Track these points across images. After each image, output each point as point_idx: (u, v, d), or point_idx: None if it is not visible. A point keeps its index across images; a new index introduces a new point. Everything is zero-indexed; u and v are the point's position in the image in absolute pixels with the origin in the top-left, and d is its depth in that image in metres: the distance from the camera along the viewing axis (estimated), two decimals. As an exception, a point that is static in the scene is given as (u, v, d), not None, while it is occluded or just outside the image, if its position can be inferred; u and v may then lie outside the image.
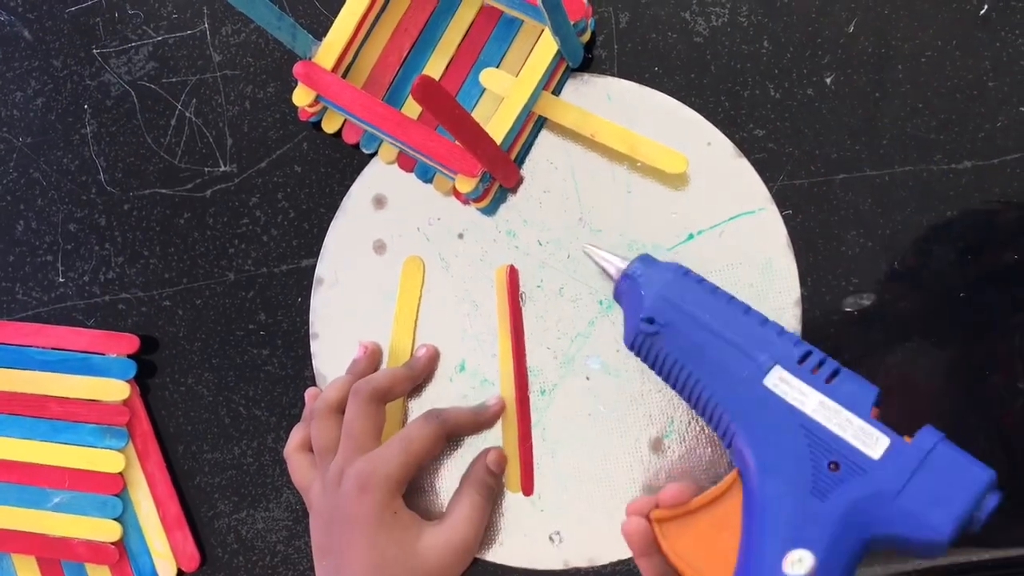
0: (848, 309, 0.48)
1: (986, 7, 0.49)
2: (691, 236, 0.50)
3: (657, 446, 0.49)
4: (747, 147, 0.50)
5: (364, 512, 0.46)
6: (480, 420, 0.50)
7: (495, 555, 0.50)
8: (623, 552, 0.49)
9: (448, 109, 0.42)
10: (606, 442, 0.49)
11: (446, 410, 0.50)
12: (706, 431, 0.48)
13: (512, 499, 0.50)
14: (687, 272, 0.43)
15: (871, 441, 0.38)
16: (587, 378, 0.50)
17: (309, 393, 0.53)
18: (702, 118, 0.50)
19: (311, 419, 0.50)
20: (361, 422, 0.48)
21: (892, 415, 0.47)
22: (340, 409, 0.49)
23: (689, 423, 0.49)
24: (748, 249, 0.49)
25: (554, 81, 0.51)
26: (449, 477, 0.51)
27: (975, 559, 0.47)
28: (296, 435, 0.51)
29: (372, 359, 0.53)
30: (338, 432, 0.48)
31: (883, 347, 0.48)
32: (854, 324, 0.48)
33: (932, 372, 0.48)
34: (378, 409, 0.49)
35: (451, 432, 0.49)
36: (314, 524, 0.49)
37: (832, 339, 0.48)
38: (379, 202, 0.54)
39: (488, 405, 0.51)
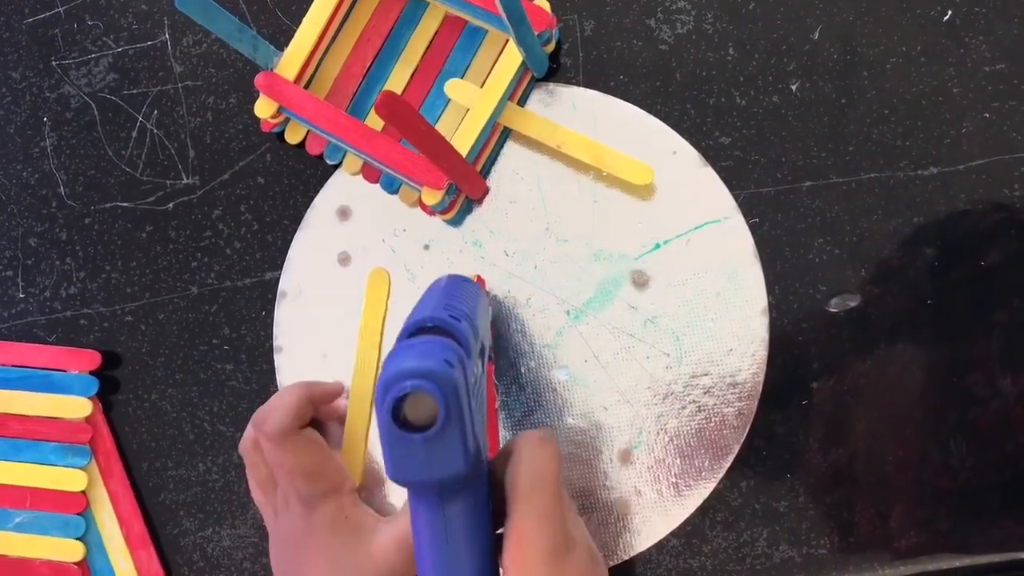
0: (834, 310, 0.48)
1: (950, 13, 0.49)
2: (657, 245, 0.49)
3: (626, 457, 0.49)
4: (713, 155, 0.50)
5: (315, 525, 0.45)
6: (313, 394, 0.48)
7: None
8: (593, 565, 0.49)
9: (412, 124, 0.41)
10: (575, 454, 0.49)
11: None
12: (675, 442, 0.48)
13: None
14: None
15: None
16: (555, 388, 0.50)
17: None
18: (667, 127, 0.50)
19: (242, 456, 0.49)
20: (283, 457, 0.45)
21: (869, 416, 0.47)
22: (256, 442, 0.48)
23: (658, 434, 0.48)
24: (714, 258, 0.49)
25: (519, 91, 0.51)
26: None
27: (947, 566, 0.47)
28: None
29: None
30: (266, 465, 0.48)
31: (853, 359, 0.48)
32: (823, 331, 0.48)
33: (904, 385, 0.48)
34: (294, 437, 0.46)
35: (319, 400, 0.48)
36: (273, 552, 0.48)
37: (800, 346, 0.48)
38: (343, 214, 0.53)
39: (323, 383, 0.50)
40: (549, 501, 0.37)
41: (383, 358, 0.51)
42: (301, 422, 0.47)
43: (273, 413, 0.46)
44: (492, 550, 0.36)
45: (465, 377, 0.34)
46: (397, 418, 0.33)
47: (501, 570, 0.37)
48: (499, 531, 0.37)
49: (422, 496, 0.35)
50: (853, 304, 0.48)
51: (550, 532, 0.36)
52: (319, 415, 0.50)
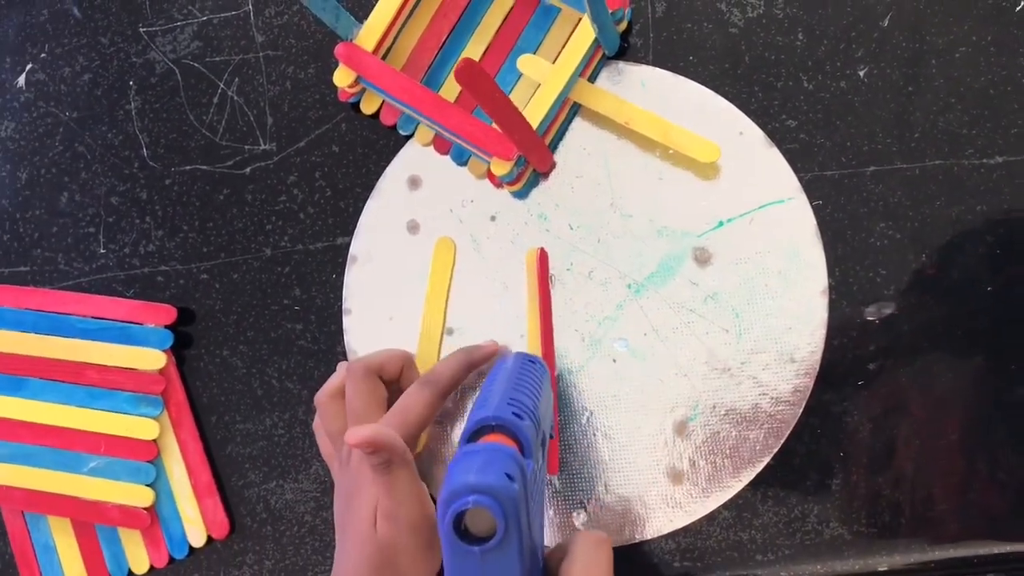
0: (870, 318, 0.49)
1: (1022, 3, 0.49)
2: (720, 223, 0.50)
3: (681, 429, 0.50)
4: (779, 137, 0.50)
5: (363, 482, 0.46)
6: (473, 360, 0.50)
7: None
8: (645, 532, 0.50)
9: (488, 92, 0.42)
10: (631, 424, 0.50)
11: (438, 369, 0.49)
12: (731, 415, 0.49)
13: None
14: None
15: None
16: (614, 360, 0.51)
17: (340, 366, 0.54)
18: (734, 107, 0.51)
19: (318, 409, 0.50)
20: (359, 398, 0.48)
21: (922, 400, 0.48)
22: (341, 393, 0.49)
23: (714, 407, 0.49)
24: (777, 237, 0.49)
25: (590, 68, 0.52)
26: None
27: (996, 551, 0.47)
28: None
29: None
30: (343, 415, 0.49)
31: (910, 344, 0.48)
32: (881, 320, 0.49)
33: (959, 373, 0.48)
34: (374, 383, 0.49)
35: (446, 390, 0.49)
36: (335, 501, 0.49)
37: (859, 330, 0.49)
38: (414, 183, 0.55)
39: (480, 345, 0.51)
40: None
41: (448, 322, 0.53)
42: (392, 372, 0.50)
43: (378, 353, 0.49)
44: None
45: (524, 486, 0.35)
46: (458, 529, 0.34)
47: None
48: None
49: None
50: (888, 312, 0.49)
51: None
52: (402, 382, 0.51)
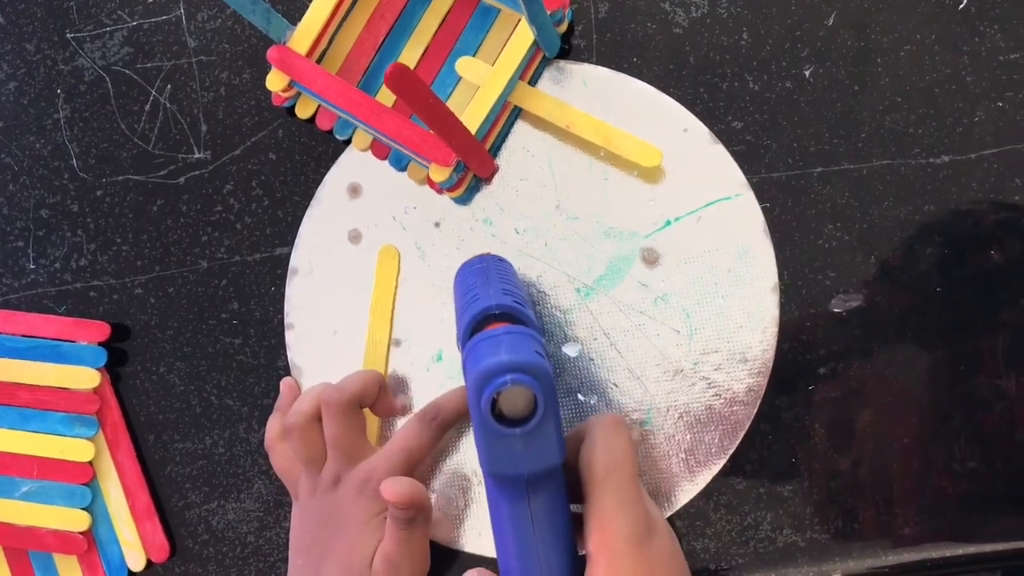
0: (836, 310, 0.48)
1: (965, 2, 0.49)
2: (668, 223, 0.49)
3: (636, 434, 0.49)
4: (725, 139, 0.50)
5: (356, 514, 0.46)
6: None
7: (474, 545, 0.50)
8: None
9: (421, 97, 0.41)
10: (581, 433, 0.49)
11: (442, 406, 0.49)
12: (685, 418, 0.48)
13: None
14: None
15: None
16: (565, 366, 0.50)
17: (285, 382, 0.52)
18: (678, 104, 0.50)
19: (288, 433, 0.48)
20: (344, 432, 0.47)
21: (874, 404, 0.47)
22: (316, 418, 0.48)
23: (668, 410, 0.48)
24: (726, 235, 0.49)
25: (531, 71, 0.51)
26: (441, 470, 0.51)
27: (951, 554, 0.47)
28: (275, 425, 0.51)
29: (292, 392, 0.52)
30: (321, 442, 0.48)
31: (861, 345, 0.48)
32: (832, 319, 0.48)
33: (911, 372, 0.48)
34: (356, 415, 0.48)
35: (449, 426, 0.49)
36: (300, 522, 0.48)
37: (809, 333, 0.48)
38: (354, 191, 0.53)
39: None
40: (628, 485, 0.38)
41: (394, 333, 0.52)
42: (370, 399, 0.49)
43: (355, 380, 0.48)
44: (571, 532, 0.37)
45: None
46: (494, 413, 0.33)
47: (583, 552, 0.37)
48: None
49: (508, 487, 0.35)
50: (855, 304, 0.48)
51: (633, 516, 0.37)
52: (376, 408, 0.51)
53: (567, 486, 0.37)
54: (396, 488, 0.43)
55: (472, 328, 0.37)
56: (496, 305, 0.37)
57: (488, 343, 0.34)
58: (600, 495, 0.37)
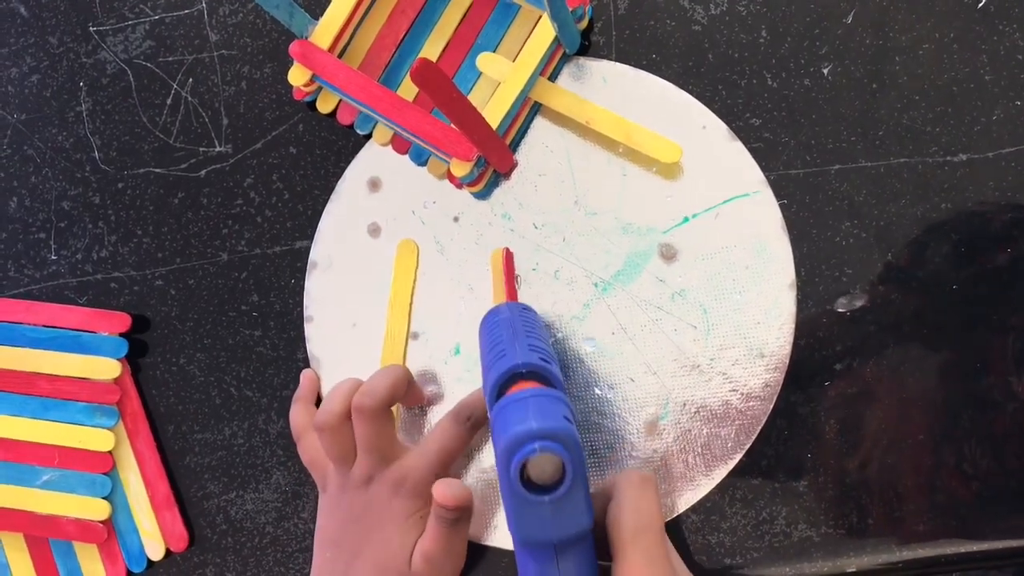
0: (841, 310, 0.48)
1: (984, 0, 0.49)
2: (686, 219, 0.50)
3: (652, 428, 0.49)
4: (743, 136, 0.50)
5: (392, 514, 0.46)
6: None
7: (491, 539, 0.50)
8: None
9: (445, 92, 0.41)
10: (601, 424, 0.49)
11: (473, 404, 0.49)
12: (701, 413, 0.49)
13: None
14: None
15: None
16: (582, 360, 0.50)
17: (305, 373, 0.53)
18: (697, 101, 0.50)
19: (318, 432, 0.48)
20: (376, 436, 0.47)
21: (889, 401, 0.48)
22: (346, 417, 0.48)
23: (684, 405, 0.49)
24: (743, 231, 0.49)
25: (551, 67, 0.51)
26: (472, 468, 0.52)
27: (963, 551, 0.47)
28: (299, 415, 0.51)
29: (312, 384, 0.53)
30: (351, 441, 0.48)
31: (876, 342, 0.48)
32: (847, 317, 0.48)
33: (925, 371, 0.48)
34: (387, 417, 0.48)
35: (481, 425, 0.49)
36: (329, 516, 0.49)
37: (825, 329, 0.48)
38: (374, 185, 0.54)
39: None
40: (656, 545, 0.38)
41: (412, 326, 0.52)
42: (400, 398, 0.49)
43: (384, 382, 0.47)
44: None
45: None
46: (522, 480, 0.33)
47: None
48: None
49: (537, 550, 0.35)
50: (860, 304, 0.48)
51: None
52: (405, 399, 0.51)
53: (595, 542, 0.37)
54: (448, 491, 0.43)
55: (499, 387, 0.37)
56: (522, 364, 0.37)
57: (516, 407, 0.34)
58: (629, 555, 0.37)
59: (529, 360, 0.37)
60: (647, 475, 0.40)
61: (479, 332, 0.46)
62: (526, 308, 0.46)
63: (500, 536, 0.51)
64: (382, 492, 0.47)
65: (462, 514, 0.45)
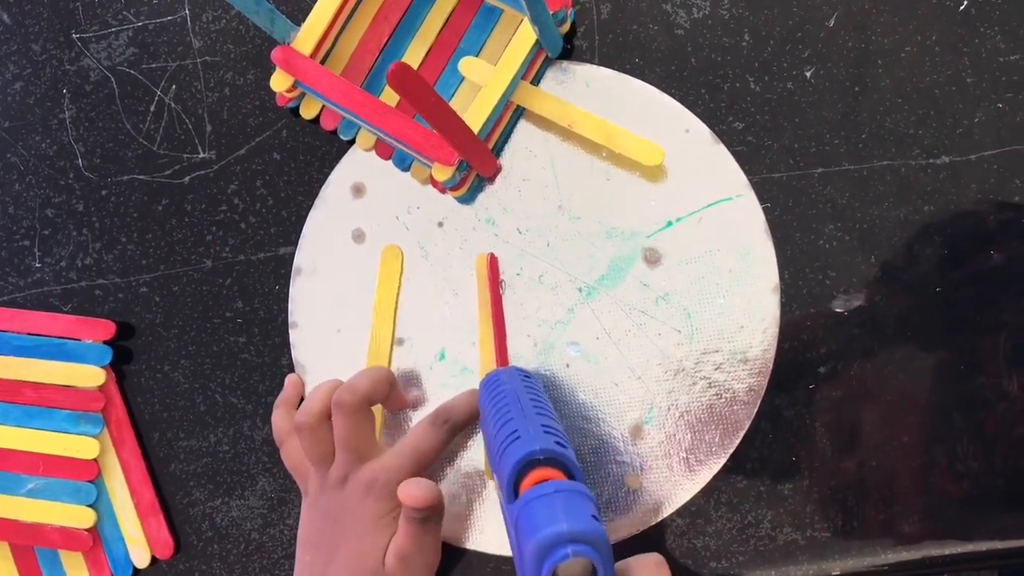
0: (838, 310, 0.48)
1: (966, 3, 0.49)
2: (670, 223, 0.50)
3: (637, 432, 0.49)
4: (726, 139, 0.50)
5: (365, 514, 0.46)
6: None
7: (476, 543, 0.50)
8: (598, 542, 0.49)
9: (424, 96, 0.41)
10: (586, 429, 0.49)
11: (452, 409, 0.49)
12: (685, 417, 0.49)
13: (493, 486, 0.50)
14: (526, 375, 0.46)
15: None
16: (567, 365, 0.50)
17: (289, 378, 0.53)
18: (680, 105, 0.50)
19: (297, 432, 0.48)
20: (354, 433, 0.47)
21: (875, 403, 0.48)
22: (326, 417, 0.48)
23: (668, 409, 0.49)
24: (727, 235, 0.49)
25: (533, 71, 0.51)
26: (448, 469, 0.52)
27: (949, 552, 0.47)
28: (281, 420, 0.51)
29: (296, 388, 0.53)
30: (330, 441, 0.48)
31: (860, 345, 0.48)
32: (832, 319, 0.48)
33: (911, 372, 0.48)
34: (366, 415, 0.48)
35: (460, 430, 0.49)
36: (308, 518, 0.49)
37: (809, 332, 0.48)
38: (358, 190, 0.54)
39: None
40: None
41: (397, 332, 0.52)
42: (381, 398, 0.48)
43: (365, 380, 0.47)
44: None
45: None
46: None
47: None
48: None
49: None
50: (858, 303, 0.48)
51: None
52: (387, 403, 0.51)
53: None
54: (414, 491, 0.43)
55: (517, 474, 0.37)
56: (540, 450, 0.36)
57: (543, 505, 0.34)
58: None
59: (547, 446, 0.37)
60: (660, 558, 0.40)
61: (479, 398, 0.46)
62: (527, 375, 0.46)
63: (475, 538, 0.50)
64: (356, 492, 0.47)
65: (431, 513, 0.45)
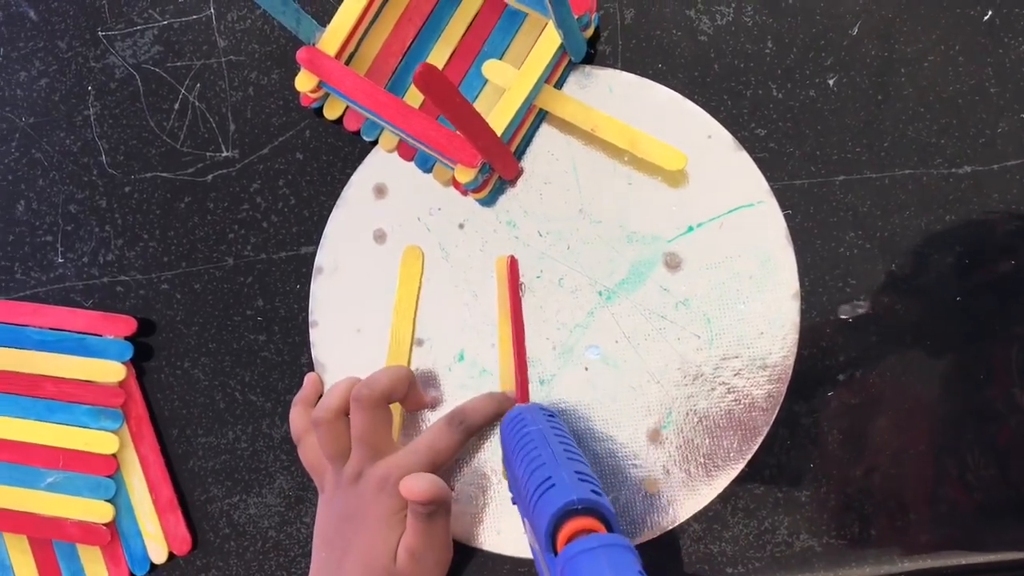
0: (844, 316, 0.48)
1: (990, 13, 0.49)
2: (691, 228, 0.50)
3: (655, 437, 0.49)
4: (749, 146, 0.50)
5: (378, 511, 0.46)
6: (502, 410, 0.50)
7: (493, 544, 0.51)
8: (614, 545, 0.49)
9: (449, 97, 0.42)
10: (604, 432, 0.50)
11: (469, 411, 0.49)
12: (704, 422, 0.49)
13: (507, 487, 0.51)
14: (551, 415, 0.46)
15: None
16: (586, 368, 0.50)
17: (309, 376, 0.53)
18: (703, 111, 0.50)
19: (315, 427, 0.49)
20: (370, 429, 0.47)
21: (892, 411, 0.48)
22: (344, 413, 0.48)
23: (687, 414, 0.49)
24: (748, 241, 0.49)
25: (556, 75, 0.51)
26: (464, 470, 0.52)
27: (965, 562, 0.47)
28: (299, 418, 0.51)
29: (315, 387, 0.53)
30: (347, 437, 0.48)
31: (879, 353, 0.48)
32: (850, 327, 0.48)
33: (928, 381, 0.48)
34: (383, 412, 0.48)
35: (474, 432, 0.50)
36: (324, 515, 0.49)
37: (827, 340, 0.49)
38: (380, 191, 0.54)
39: (509, 395, 0.51)
40: None
41: (417, 333, 0.52)
42: (399, 396, 0.49)
43: (385, 377, 0.48)
44: None
45: None
46: None
47: None
48: None
49: None
50: (862, 311, 0.48)
51: None
52: (405, 402, 0.51)
53: None
54: (415, 485, 0.44)
55: (554, 524, 0.37)
56: (578, 500, 0.36)
57: (588, 560, 0.34)
58: None
59: (584, 496, 0.37)
60: None
61: (501, 438, 0.46)
62: (551, 415, 0.46)
63: (491, 539, 0.51)
64: (369, 489, 0.47)
65: (437, 508, 0.45)
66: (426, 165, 0.53)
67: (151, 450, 0.55)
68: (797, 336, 0.48)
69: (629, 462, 0.49)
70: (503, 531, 0.50)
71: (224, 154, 0.56)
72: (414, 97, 0.53)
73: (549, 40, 0.50)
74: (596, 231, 0.51)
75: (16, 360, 0.55)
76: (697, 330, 0.49)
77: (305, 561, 0.53)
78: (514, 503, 0.44)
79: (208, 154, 0.56)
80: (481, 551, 0.51)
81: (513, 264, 0.51)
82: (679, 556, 0.49)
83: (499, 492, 0.51)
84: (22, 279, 0.58)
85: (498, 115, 0.49)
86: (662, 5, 0.52)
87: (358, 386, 0.47)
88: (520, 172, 0.52)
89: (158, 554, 0.55)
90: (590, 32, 0.51)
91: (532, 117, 0.51)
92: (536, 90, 0.50)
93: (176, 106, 0.57)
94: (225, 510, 0.55)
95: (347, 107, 0.54)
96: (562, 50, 0.50)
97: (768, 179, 0.50)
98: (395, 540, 0.46)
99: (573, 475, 0.38)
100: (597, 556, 0.34)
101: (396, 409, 0.52)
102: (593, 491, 0.37)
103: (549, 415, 0.46)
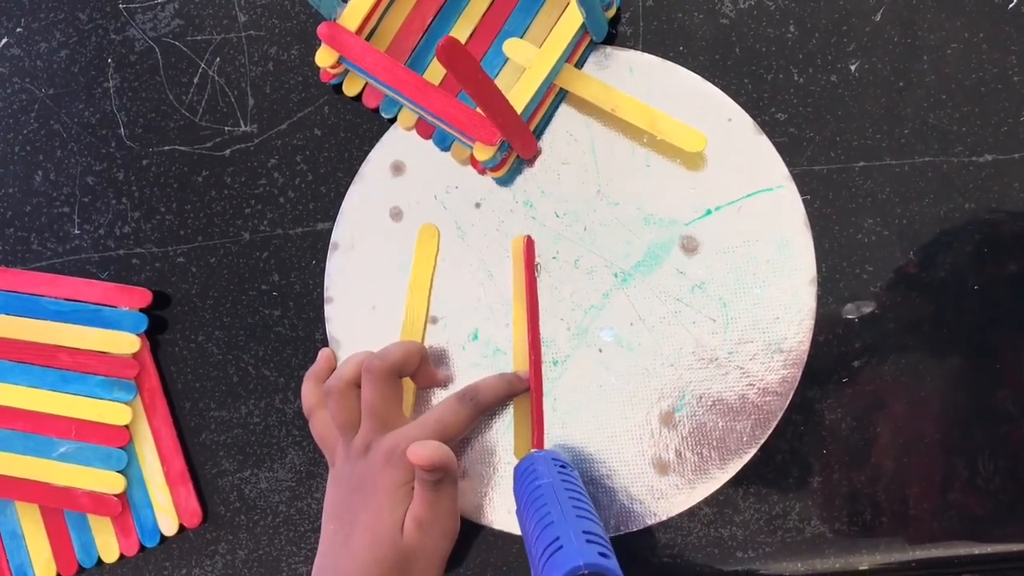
0: (849, 316, 0.48)
1: (1015, 1, 0.49)
2: (709, 212, 0.50)
3: (668, 420, 0.49)
4: (768, 130, 0.50)
5: (385, 483, 0.46)
6: (513, 391, 0.50)
7: (503, 523, 0.51)
8: (630, 524, 0.49)
9: (471, 72, 0.42)
10: (617, 414, 0.50)
11: (480, 389, 0.49)
12: (718, 406, 0.49)
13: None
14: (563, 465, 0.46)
15: None
16: (600, 350, 0.50)
17: (323, 352, 0.53)
18: (723, 94, 0.50)
19: (327, 397, 0.49)
20: (381, 400, 0.48)
21: (903, 409, 0.47)
22: (356, 384, 0.49)
23: (701, 397, 0.49)
24: (766, 226, 0.49)
25: (577, 54, 0.51)
26: (473, 449, 0.52)
27: (976, 552, 0.47)
28: (310, 391, 0.51)
29: (328, 362, 0.53)
30: (358, 408, 0.49)
31: (895, 341, 0.48)
32: (865, 317, 0.48)
33: (943, 371, 0.48)
34: (395, 384, 0.49)
35: (485, 411, 0.50)
36: (332, 489, 0.49)
37: (843, 327, 0.48)
38: (397, 169, 0.54)
39: (521, 376, 0.51)
40: None
41: (432, 311, 0.52)
42: (411, 370, 0.49)
43: (397, 350, 0.48)
44: None
45: None
46: None
47: None
48: None
49: None
50: (867, 311, 0.48)
51: None
52: (417, 378, 0.51)
53: None
54: (421, 451, 0.44)
55: None
56: (585, 565, 0.37)
57: None
58: None
59: (591, 560, 0.37)
60: None
61: (514, 487, 0.47)
62: (563, 464, 0.46)
63: (500, 518, 0.51)
64: (377, 460, 0.47)
65: (443, 476, 0.45)
66: (444, 143, 0.53)
67: (164, 422, 0.55)
68: (813, 322, 0.48)
69: (642, 445, 0.49)
70: (512, 510, 0.50)
71: (242, 129, 0.56)
72: (434, 75, 0.53)
73: (571, 19, 0.49)
74: (613, 213, 0.51)
75: (31, 330, 0.56)
76: (713, 314, 0.49)
77: (315, 536, 0.54)
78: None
79: (227, 128, 0.56)
80: (491, 529, 0.51)
81: (529, 244, 0.51)
82: (690, 539, 0.49)
83: (508, 471, 0.51)
84: (39, 250, 0.58)
85: (518, 93, 0.49)
86: (684, -13, 0.52)
87: (370, 357, 0.48)
88: (538, 152, 0.52)
89: (169, 526, 0.55)
90: (612, 12, 0.51)
91: (552, 96, 0.51)
92: (556, 69, 0.50)
93: (195, 80, 0.57)
94: (236, 484, 0.55)
95: (366, 84, 0.53)
96: (583, 30, 0.50)
97: (787, 164, 0.49)
98: (402, 512, 0.46)
99: (581, 536, 0.38)
100: None
101: (409, 387, 0.52)
102: (601, 553, 0.37)
103: (561, 465, 0.46)
